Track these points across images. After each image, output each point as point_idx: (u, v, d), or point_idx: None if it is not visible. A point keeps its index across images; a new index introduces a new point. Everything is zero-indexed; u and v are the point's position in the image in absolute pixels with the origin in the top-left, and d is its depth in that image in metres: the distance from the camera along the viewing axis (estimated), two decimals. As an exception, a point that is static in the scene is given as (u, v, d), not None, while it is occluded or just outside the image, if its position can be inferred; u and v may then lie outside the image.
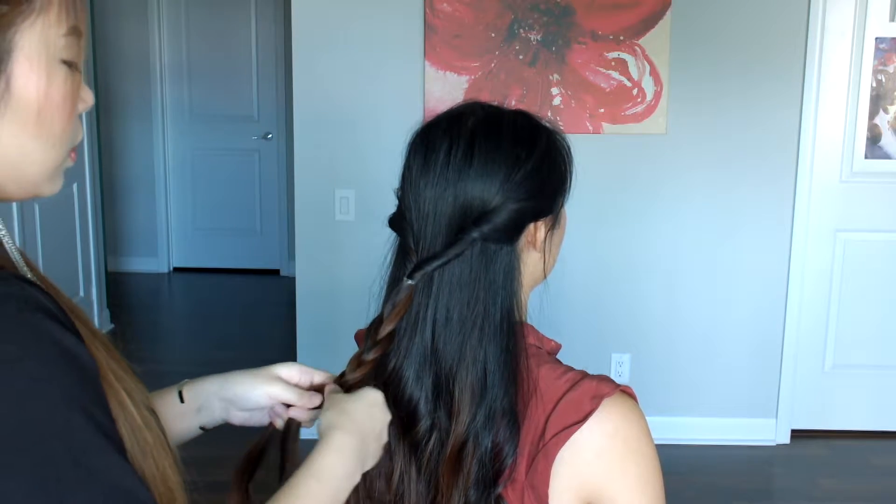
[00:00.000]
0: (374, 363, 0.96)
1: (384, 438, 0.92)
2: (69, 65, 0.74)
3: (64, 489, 0.64)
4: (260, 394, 0.99)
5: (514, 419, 0.93)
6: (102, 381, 0.72)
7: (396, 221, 0.99)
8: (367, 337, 0.97)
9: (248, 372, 1.01)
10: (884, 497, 3.17)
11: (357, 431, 0.89)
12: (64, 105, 0.73)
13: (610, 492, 0.91)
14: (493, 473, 0.93)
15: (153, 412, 0.79)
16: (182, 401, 1.00)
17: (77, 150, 0.79)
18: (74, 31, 0.73)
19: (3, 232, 0.74)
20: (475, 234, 0.93)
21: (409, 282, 0.94)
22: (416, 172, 0.96)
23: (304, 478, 0.84)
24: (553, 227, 1.01)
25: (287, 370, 1.00)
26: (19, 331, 0.65)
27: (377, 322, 0.97)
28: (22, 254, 0.78)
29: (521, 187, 0.94)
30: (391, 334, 0.95)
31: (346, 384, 0.97)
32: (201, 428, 1.02)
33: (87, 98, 0.78)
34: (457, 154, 0.94)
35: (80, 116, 0.79)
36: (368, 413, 0.91)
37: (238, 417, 1.02)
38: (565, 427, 0.90)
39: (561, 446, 0.90)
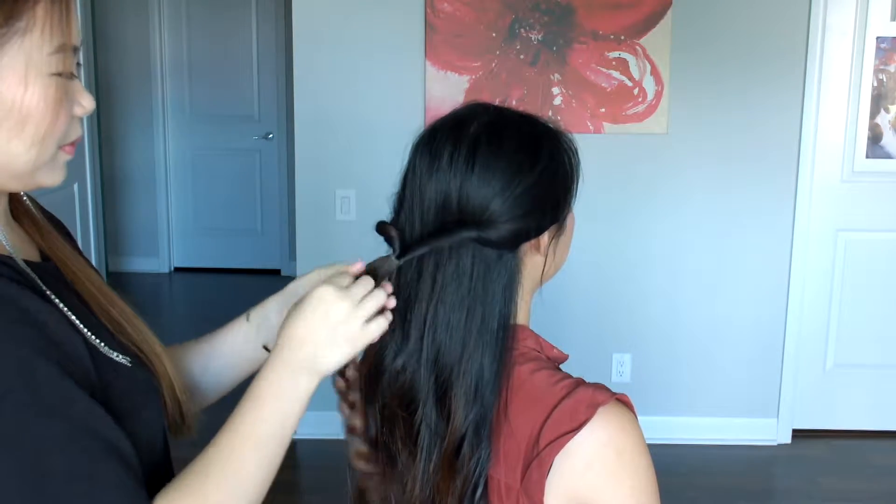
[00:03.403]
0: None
1: (347, 330, 0.88)
2: (59, 75, 0.83)
3: (38, 436, 0.75)
4: (307, 282, 1.07)
5: (489, 427, 0.93)
6: (76, 282, 0.90)
7: (383, 227, 0.98)
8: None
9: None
10: (884, 497, 3.17)
11: (298, 336, 0.88)
12: (47, 111, 0.82)
13: (602, 502, 0.90)
14: (484, 480, 0.93)
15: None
16: (248, 320, 1.11)
17: (75, 145, 0.88)
18: (62, 49, 0.82)
19: None
20: (472, 234, 0.93)
21: (397, 262, 0.94)
22: (420, 174, 0.97)
23: (246, 401, 0.89)
24: (558, 233, 1.00)
25: (324, 269, 1.07)
26: None
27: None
28: (33, 201, 0.95)
29: (522, 202, 0.94)
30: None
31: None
32: (265, 348, 1.09)
33: (86, 103, 0.87)
34: (458, 160, 0.94)
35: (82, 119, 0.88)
36: (310, 312, 0.88)
37: None
38: (560, 435, 0.89)
39: (555, 454, 0.89)
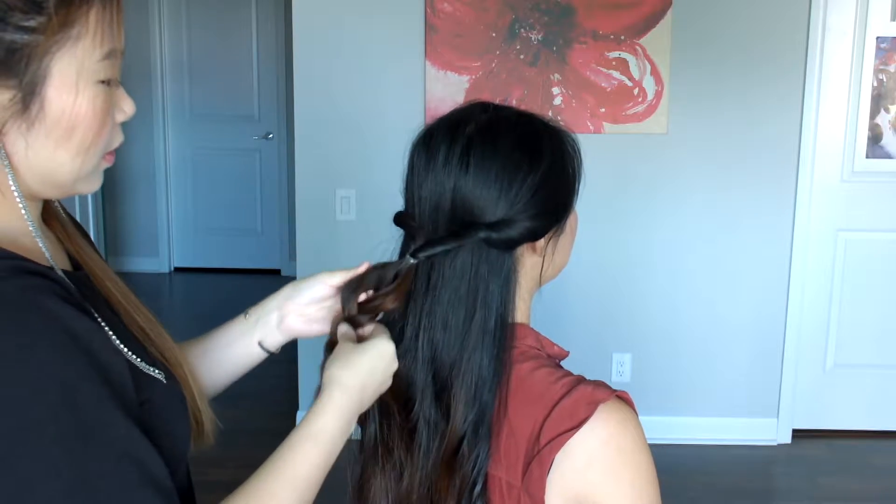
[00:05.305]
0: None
1: (384, 387, 0.96)
2: (106, 83, 0.80)
3: (81, 461, 0.72)
4: (312, 283, 1.06)
5: (488, 425, 0.93)
6: (106, 290, 0.86)
7: (401, 216, 1.00)
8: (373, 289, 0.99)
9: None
10: (884, 497, 3.17)
11: (358, 388, 0.92)
12: (95, 120, 0.80)
13: (603, 500, 0.89)
14: (482, 478, 0.93)
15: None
16: (246, 317, 1.10)
17: (114, 151, 0.87)
18: (111, 55, 0.80)
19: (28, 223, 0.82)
20: (482, 235, 0.93)
21: (412, 260, 0.95)
22: (418, 173, 0.97)
23: (301, 440, 0.88)
24: (556, 234, 1.00)
25: (330, 273, 1.07)
26: (30, 320, 0.73)
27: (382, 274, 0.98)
28: (64, 209, 0.94)
29: (530, 203, 0.94)
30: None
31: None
32: (260, 345, 1.09)
33: (127, 108, 0.85)
34: (453, 159, 0.94)
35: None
36: (371, 367, 0.93)
37: (296, 321, 1.08)
38: (560, 433, 0.89)
39: (556, 452, 0.89)
